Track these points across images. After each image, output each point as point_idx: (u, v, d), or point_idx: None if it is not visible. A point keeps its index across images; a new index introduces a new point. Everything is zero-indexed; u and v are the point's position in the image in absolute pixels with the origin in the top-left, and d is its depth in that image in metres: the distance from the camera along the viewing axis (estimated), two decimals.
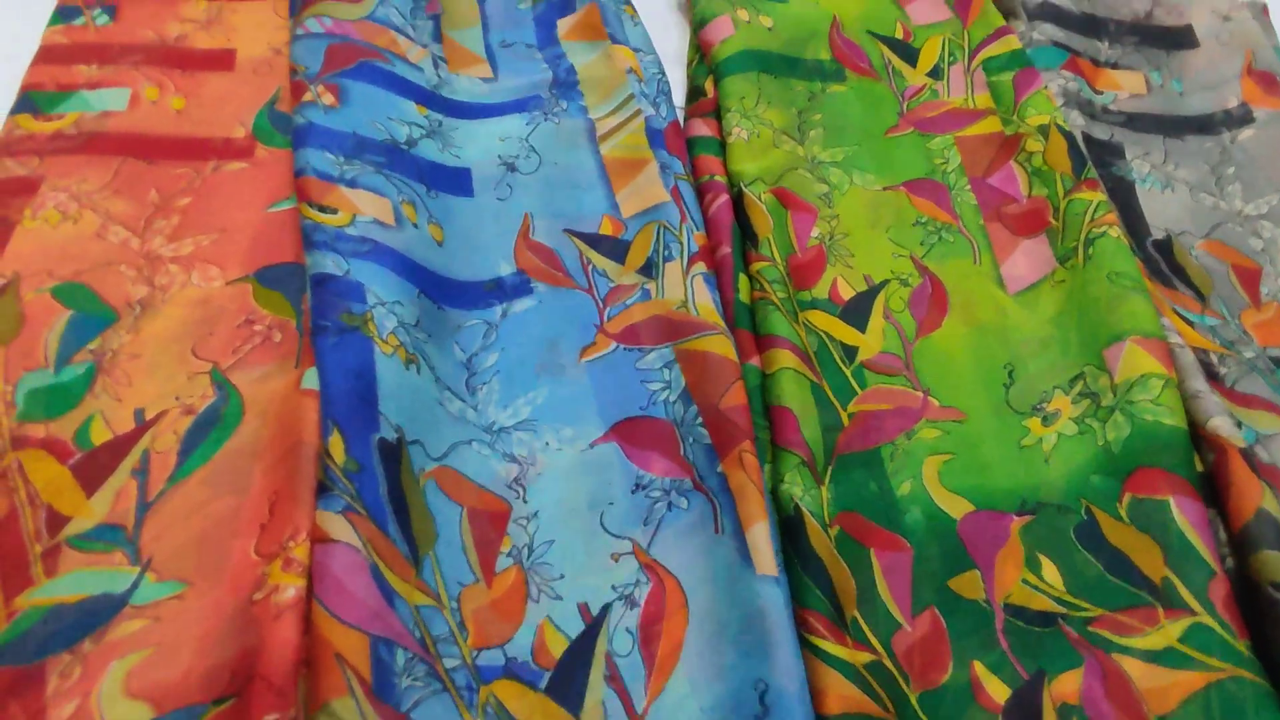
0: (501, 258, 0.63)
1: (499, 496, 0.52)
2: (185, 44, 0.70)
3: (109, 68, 0.67)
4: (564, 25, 0.77)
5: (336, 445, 0.46)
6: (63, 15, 0.70)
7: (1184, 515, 0.49)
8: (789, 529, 0.50)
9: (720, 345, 0.55)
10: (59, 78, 0.66)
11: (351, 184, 0.59)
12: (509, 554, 0.50)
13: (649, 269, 0.61)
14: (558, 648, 0.47)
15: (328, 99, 0.63)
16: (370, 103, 0.65)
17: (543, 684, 0.46)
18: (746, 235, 0.64)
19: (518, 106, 0.71)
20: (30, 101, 0.64)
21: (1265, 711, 0.43)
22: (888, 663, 0.47)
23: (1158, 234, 0.69)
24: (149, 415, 0.51)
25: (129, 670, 0.43)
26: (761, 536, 0.47)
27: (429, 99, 0.69)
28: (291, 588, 0.42)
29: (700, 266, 0.60)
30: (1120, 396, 0.54)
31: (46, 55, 0.67)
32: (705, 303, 0.58)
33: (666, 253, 0.61)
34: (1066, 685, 0.46)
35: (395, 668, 0.43)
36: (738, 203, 0.66)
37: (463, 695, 0.44)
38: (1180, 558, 0.48)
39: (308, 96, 0.63)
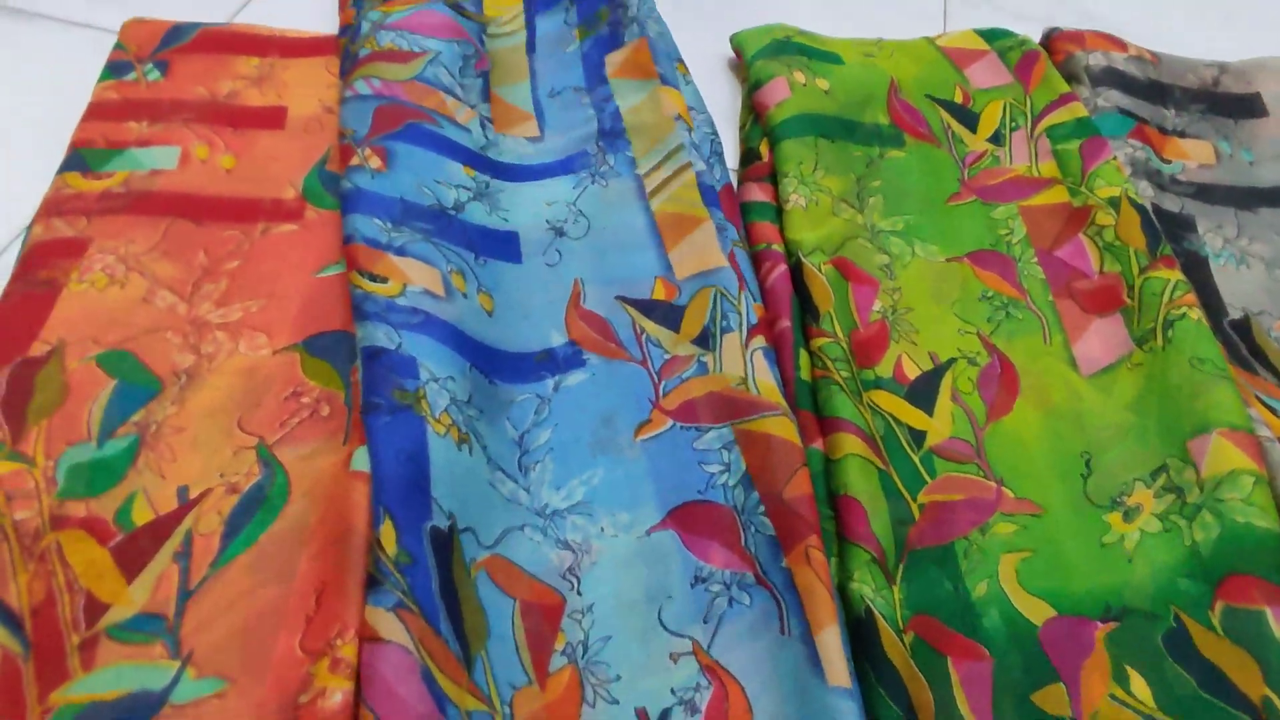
0: (553, 327, 0.61)
1: (552, 588, 0.49)
2: (236, 101, 0.69)
3: (159, 125, 0.66)
4: (612, 62, 0.75)
5: (388, 535, 0.44)
6: (114, 70, 0.69)
7: None
8: (859, 632, 0.47)
9: (783, 428, 0.53)
10: (109, 134, 0.64)
11: (400, 252, 0.57)
12: (563, 652, 0.47)
13: (705, 340, 0.59)
14: None
15: (375, 163, 0.62)
16: (417, 165, 0.63)
17: None
18: (806, 308, 0.62)
19: (564, 167, 0.70)
20: (80, 159, 0.63)
21: None
22: None
23: (1234, 313, 0.66)
24: (193, 493, 0.49)
25: None
26: (832, 643, 0.45)
27: (476, 160, 0.67)
28: (339, 692, 0.40)
29: (760, 341, 0.57)
30: (1208, 494, 0.52)
31: (97, 111, 0.66)
32: (766, 380, 0.55)
33: (724, 323, 0.59)
34: None
35: None
36: (796, 273, 0.64)
37: None
38: None
39: (355, 160, 0.62)
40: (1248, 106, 0.81)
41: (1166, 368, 0.58)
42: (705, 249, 0.62)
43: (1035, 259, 0.67)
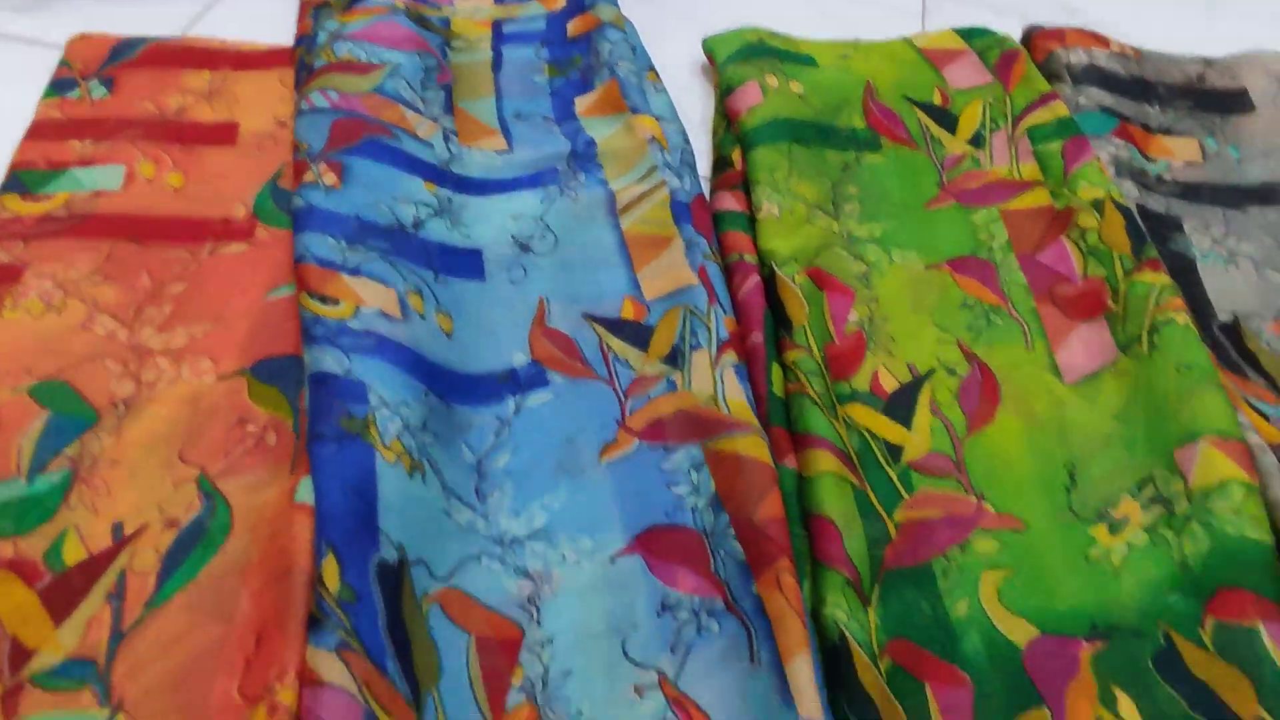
0: (516, 347, 0.58)
1: (510, 619, 0.47)
2: (186, 117, 0.66)
3: (104, 143, 0.63)
4: (582, 103, 0.73)
5: (331, 571, 0.42)
6: (58, 88, 0.66)
7: (1276, 645, 0.44)
8: (833, 660, 0.45)
9: (754, 447, 0.51)
10: (50, 155, 0.62)
11: (354, 272, 0.55)
12: (520, 688, 0.45)
13: (674, 358, 0.56)
14: None
15: (329, 179, 0.60)
16: (374, 182, 0.61)
17: None
18: (779, 321, 0.60)
19: (533, 181, 0.67)
20: (18, 181, 0.60)
21: None
22: None
23: (1223, 316, 0.64)
24: (128, 530, 0.47)
25: None
26: (804, 672, 0.42)
27: (439, 175, 0.65)
28: None
29: (730, 356, 0.55)
30: (1196, 505, 0.49)
31: (38, 131, 0.64)
32: (737, 398, 0.53)
33: (693, 340, 0.56)
34: None
35: None
36: (769, 284, 0.62)
37: None
38: (1275, 695, 0.43)
39: (308, 177, 0.59)
40: (1234, 102, 0.79)
41: (1153, 374, 0.55)
42: (674, 268, 0.60)
43: (1017, 264, 0.65)
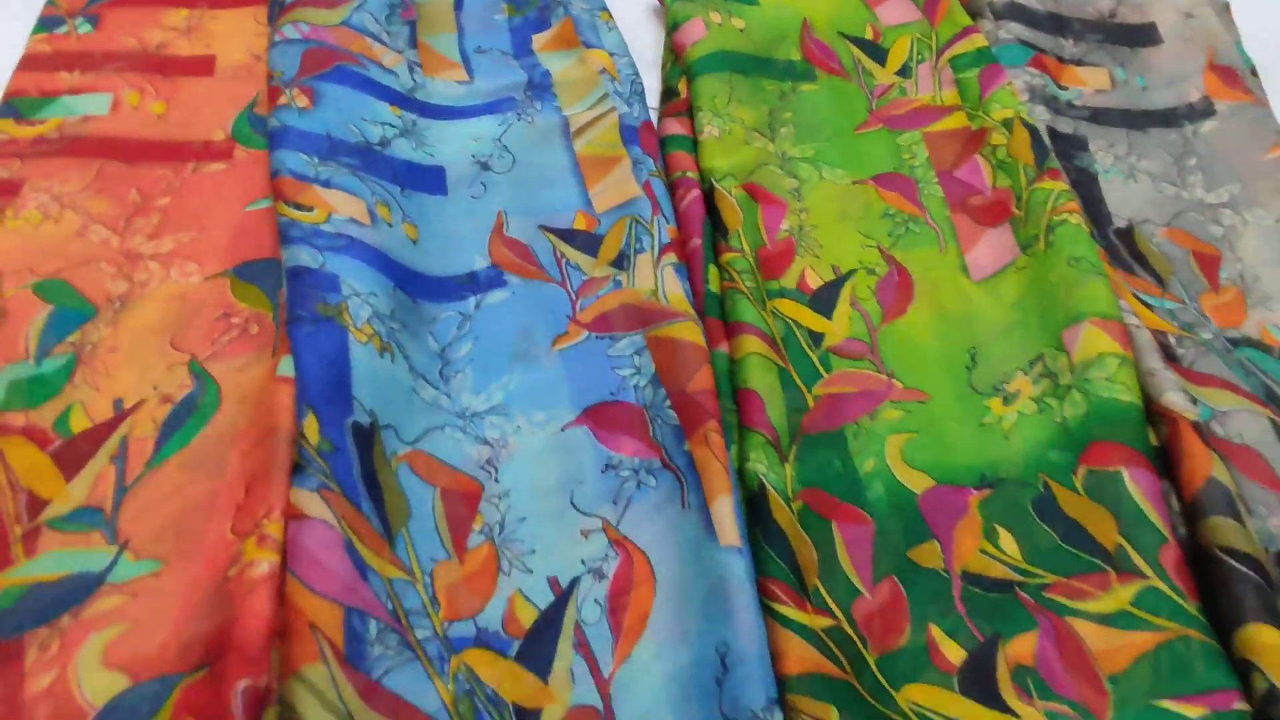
0: (476, 253, 0.64)
1: (471, 477, 0.53)
2: (166, 51, 0.71)
3: (91, 74, 0.69)
4: (539, 40, 0.79)
5: (311, 427, 0.48)
6: (46, 24, 0.71)
7: (1136, 485, 0.50)
8: (753, 504, 0.51)
9: (689, 331, 0.57)
10: (42, 84, 0.67)
11: (326, 184, 0.61)
12: (481, 531, 0.51)
13: (621, 261, 0.62)
14: (527, 618, 0.48)
15: (301, 101, 0.65)
16: (344, 104, 0.66)
17: (513, 652, 0.47)
18: (717, 228, 0.66)
19: (492, 108, 0.73)
20: (13, 107, 0.66)
21: (1213, 669, 0.44)
22: (846, 627, 0.48)
23: (1120, 223, 0.70)
24: (128, 404, 0.53)
25: (106, 643, 0.44)
26: (725, 510, 0.49)
27: (404, 101, 0.70)
28: (265, 562, 0.44)
29: (671, 257, 0.61)
30: (1078, 375, 0.56)
31: (30, 63, 0.69)
32: (675, 291, 0.59)
33: (638, 245, 0.62)
34: (1021, 647, 0.48)
35: (367, 637, 0.44)
36: (709, 197, 0.68)
37: (434, 664, 0.45)
38: (1133, 526, 0.49)
39: (282, 100, 0.65)
40: (1143, 35, 0.85)
41: (1047, 268, 0.62)
42: (622, 183, 0.66)
43: (935, 179, 0.71)
